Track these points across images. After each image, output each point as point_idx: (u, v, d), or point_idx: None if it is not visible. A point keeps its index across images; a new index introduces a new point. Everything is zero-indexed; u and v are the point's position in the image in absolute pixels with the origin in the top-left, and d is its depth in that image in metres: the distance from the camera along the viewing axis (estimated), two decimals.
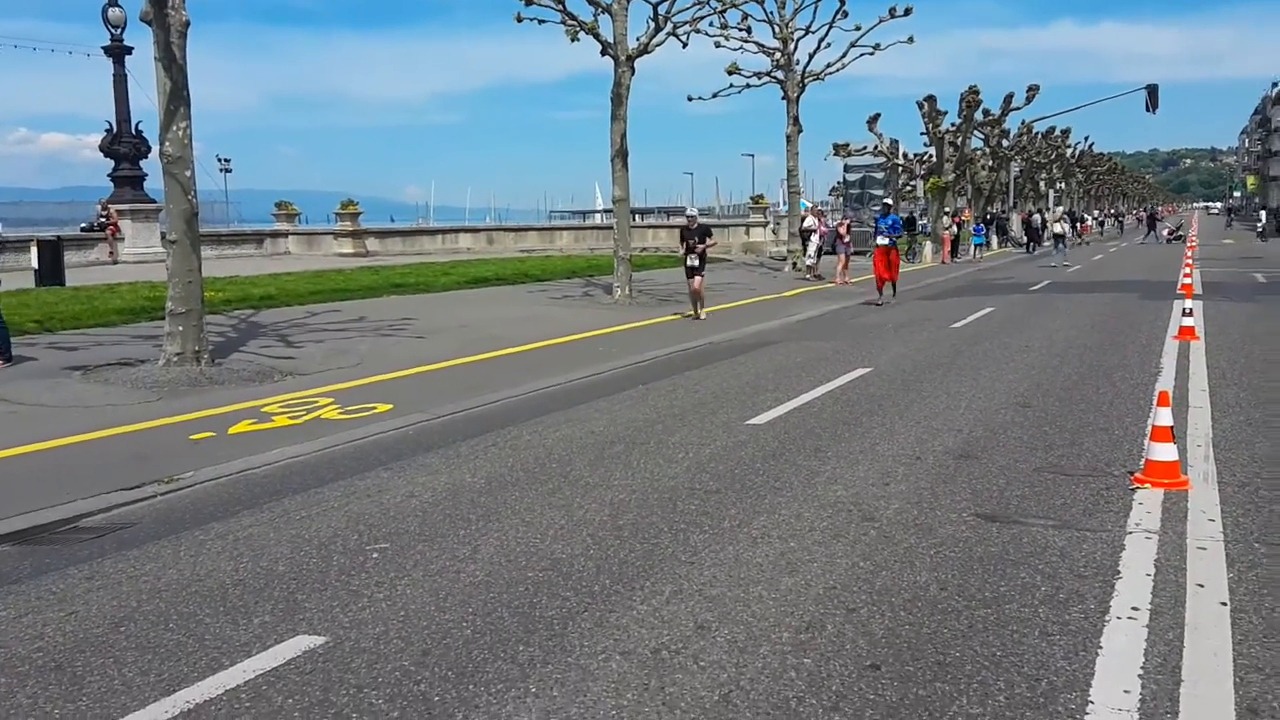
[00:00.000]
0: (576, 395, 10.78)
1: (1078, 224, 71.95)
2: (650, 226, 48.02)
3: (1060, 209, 53.58)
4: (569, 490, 6.95)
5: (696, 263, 17.99)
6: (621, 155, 21.24)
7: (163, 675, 4.19)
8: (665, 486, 7.01)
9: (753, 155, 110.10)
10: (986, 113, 51.58)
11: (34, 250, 23.77)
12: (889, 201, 24.66)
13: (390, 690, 4.01)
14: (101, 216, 33.22)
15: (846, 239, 27.97)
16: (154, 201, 33.17)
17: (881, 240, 21.58)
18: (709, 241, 18.52)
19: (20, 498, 6.85)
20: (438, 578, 5.28)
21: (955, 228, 41.77)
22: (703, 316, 18.06)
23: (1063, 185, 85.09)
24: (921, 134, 50.00)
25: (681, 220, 22.27)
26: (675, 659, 4.25)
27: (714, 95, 32.75)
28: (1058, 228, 39.52)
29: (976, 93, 48.25)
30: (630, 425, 9.14)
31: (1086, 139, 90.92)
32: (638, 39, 21.28)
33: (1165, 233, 60.53)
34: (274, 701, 3.93)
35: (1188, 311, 15.23)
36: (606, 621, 4.66)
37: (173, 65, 11.59)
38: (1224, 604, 4.77)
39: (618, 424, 9.20)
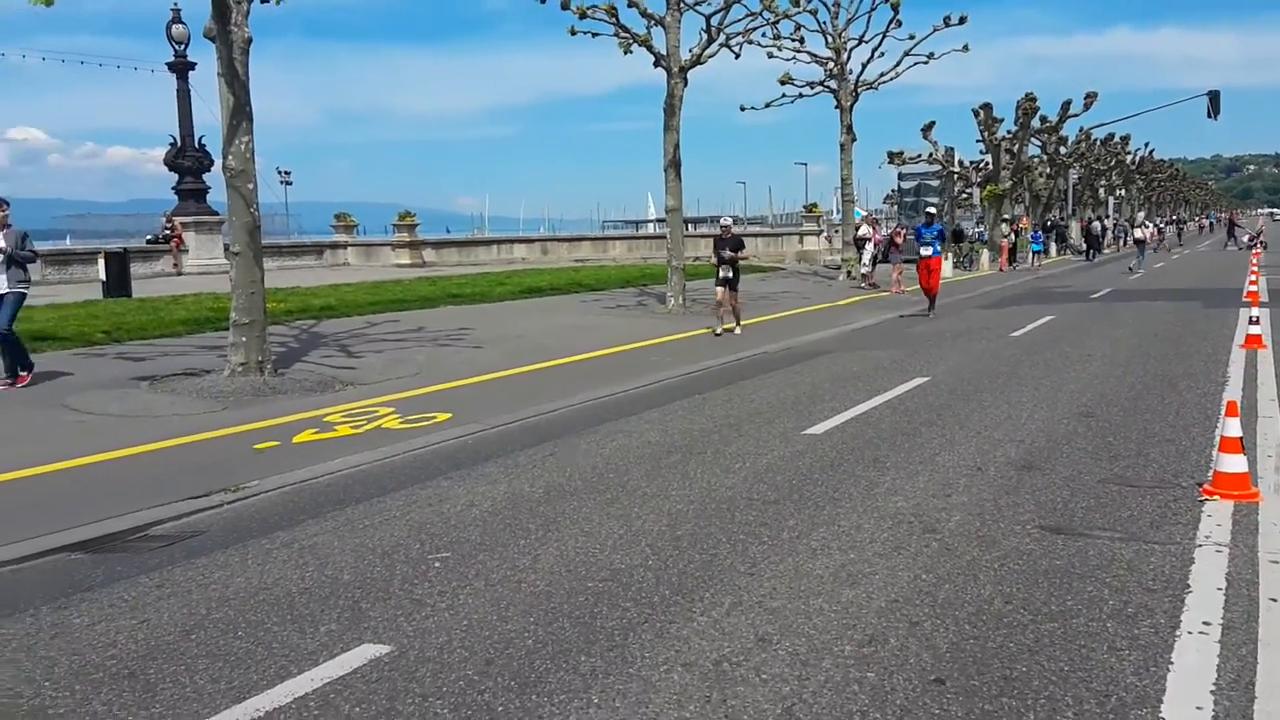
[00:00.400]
0: (632, 405, 10.81)
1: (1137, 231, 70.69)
2: (703, 236, 47.85)
3: (1142, 215, 52.77)
4: (627, 500, 6.97)
5: (730, 274, 17.28)
6: (674, 165, 21.28)
7: (233, 683, 4.27)
8: (723, 497, 7.00)
9: (806, 164, 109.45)
10: (1044, 119, 50.93)
11: (101, 262, 24.35)
12: (932, 210, 23.17)
13: (455, 700, 4.05)
14: (166, 229, 33.94)
15: (900, 247, 27.77)
16: (217, 214, 33.83)
17: (925, 250, 20.88)
18: (742, 253, 17.89)
19: (91, 506, 7.02)
20: (499, 587, 5.32)
21: (1013, 235, 41.25)
22: (739, 331, 17.28)
23: (1123, 192, 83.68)
24: (977, 141, 49.55)
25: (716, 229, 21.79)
26: (737, 671, 4.24)
27: (767, 105, 32.77)
28: (1138, 233, 39.25)
29: (1034, 100, 47.71)
30: (686, 435, 9.14)
31: (1146, 145, 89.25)
32: (690, 50, 21.32)
33: (1245, 238, 59.10)
34: (341, 710, 3.99)
35: (1254, 319, 14.89)
36: (667, 633, 4.67)
37: (235, 81, 11.82)
38: None
39: (673, 434, 9.21)
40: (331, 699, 4.08)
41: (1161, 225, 73.05)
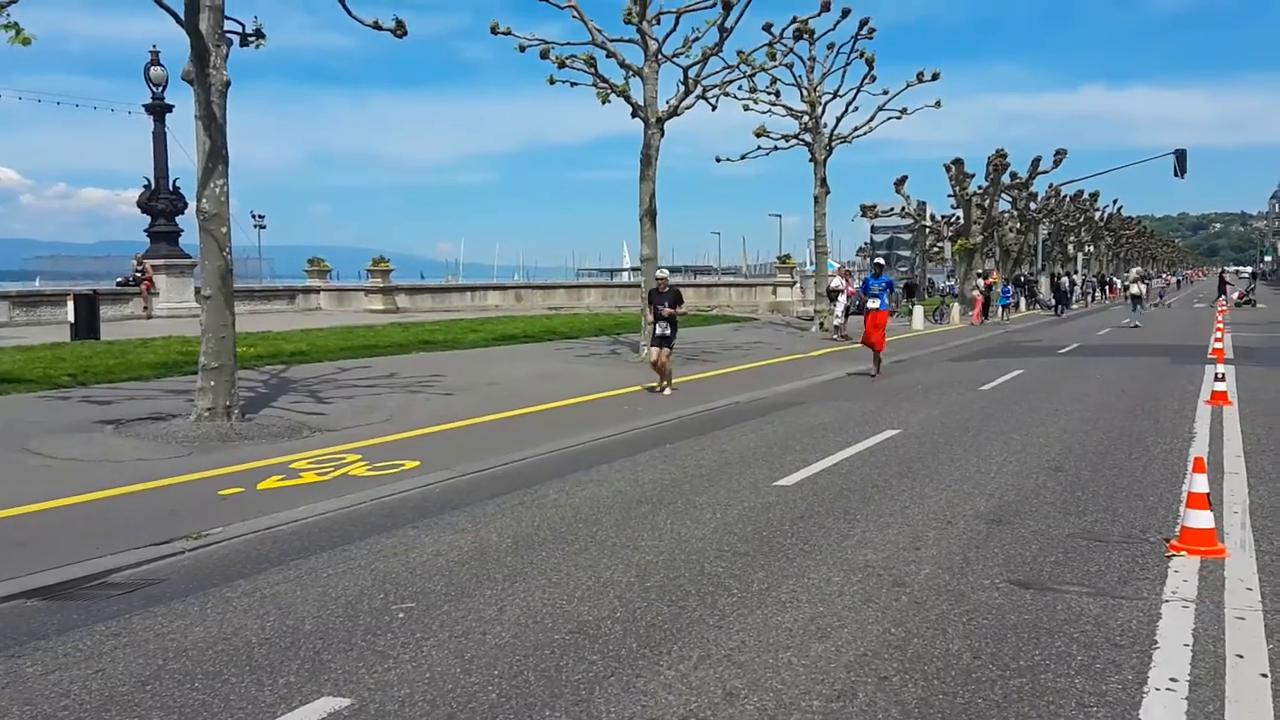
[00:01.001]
0: (603, 454, 10.76)
1: (1105, 287, 71.68)
2: (679, 285, 48.25)
3: (1136, 270, 53.60)
4: (595, 551, 6.91)
5: (667, 331, 15.75)
6: (650, 214, 21.42)
7: None
8: (693, 548, 6.95)
9: (780, 215, 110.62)
10: (1014, 175, 51.76)
11: (70, 304, 24.13)
12: (880, 261, 22.35)
13: None
14: (137, 271, 33.71)
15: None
16: (189, 257, 33.69)
17: (872, 303, 19.32)
18: (681, 308, 16.35)
19: (50, 552, 6.88)
20: (463, 639, 5.24)
21: (986, 289, 41.68)
22: (668, 393, 15.64)
23: (1091, 248, 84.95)
24: (949, 196, 50.25)
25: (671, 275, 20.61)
26: None
27: (742, 157, 33.08)
28: (1134, 289, 40.05)
29: (1004, 156, 48.52)
30: (657, 485, 9.10)
31: (1115, 202, 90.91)
32: (668, 102, 21.56)
33: (1236, 295, 59.86)
34: None
35: (1220, 376, 15.07)
36: (634, 687, 4.60)
37: (212, 124, 11.83)
38: (1264, 675, 4.66)
39: (644, 484, 9.17)
40: None
41: (1150, 279, 73.96)
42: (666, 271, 17.36)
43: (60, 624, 5.60)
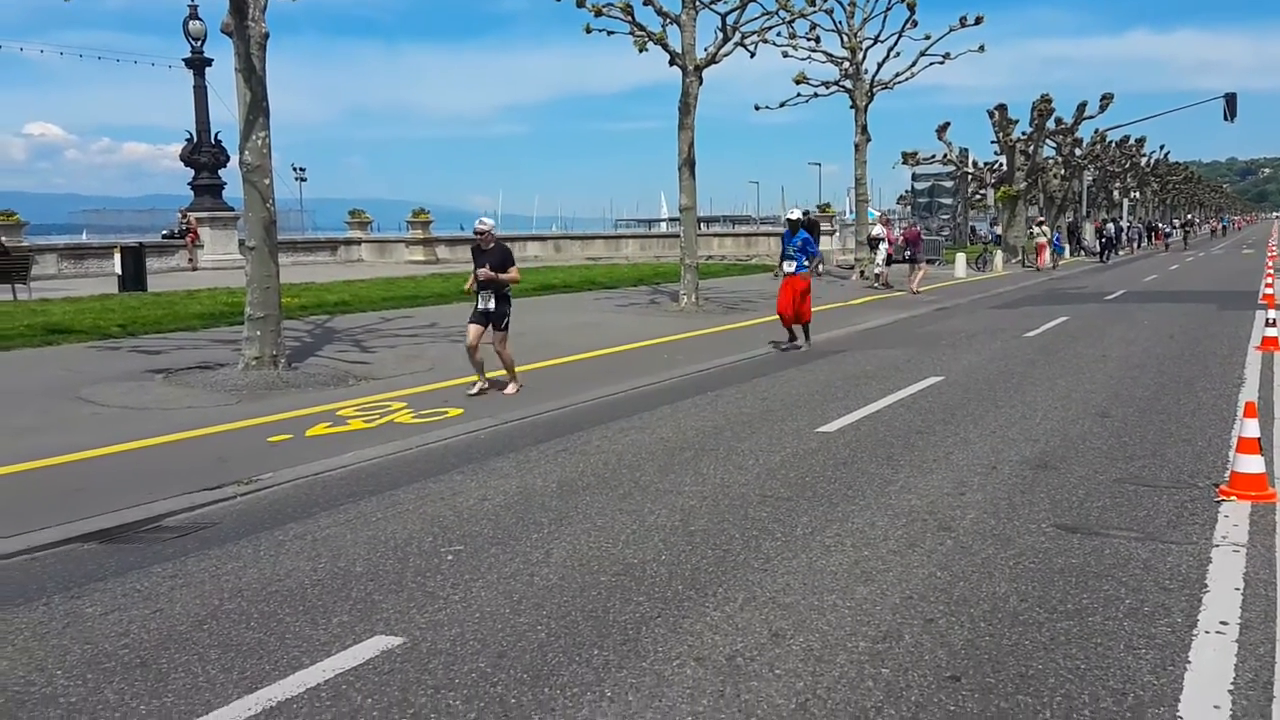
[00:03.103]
0: (644, 401, 10.79)
1: (1151, 234, 70.38)
2: (716, 235, 47.86)
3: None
4: (639, 496, 6.95)
5: (490, 304, 10.91)
6: (689, 164, 21.25)
7: (245, 673, 4.27)
8: (736, 493, 6.98)
9: (819, 164, 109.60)
10: (1059, 121, 50.75)
11: (118, 256, 24.45)
12: (793, 217, 15.91)
13: (467, 692, 4.04)
14: (182, 224, 34.09)
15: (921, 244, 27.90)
16: (232, 209, 33.98)
17: (788, 267, 15.27)
18: (511, 271, 11.07)
19: (106, 497, 7.03)
20: (511, 580, 5.31)
21: (1045, 234, 41.45)
22: (512, 390, 11.16)
23: (1137, 194, 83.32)
24: (992, 142, 49.44)
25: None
26: (750, 666, 4.22)
27: (781, 104, 32.71)
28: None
29: (1049, 101, 47.56)
30: (699, 432, 9.12)
31: (1162, 148, 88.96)
32: (706, 49, 21.29)
33: None
34: (353, 701, 3.98)
35: (1271, 322, 14.79)
36: (680, 627, 4.65)
37: (252, 76, 11.85)
38: None
39: (686, 430, 9.19)
40: (343, 690, 4.08)
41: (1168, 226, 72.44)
42: (490, 222, 11.38)
43: (118, 566, 5.73)
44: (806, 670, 4.17)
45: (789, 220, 15.86)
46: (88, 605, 5.11)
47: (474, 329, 10.95)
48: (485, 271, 10.85)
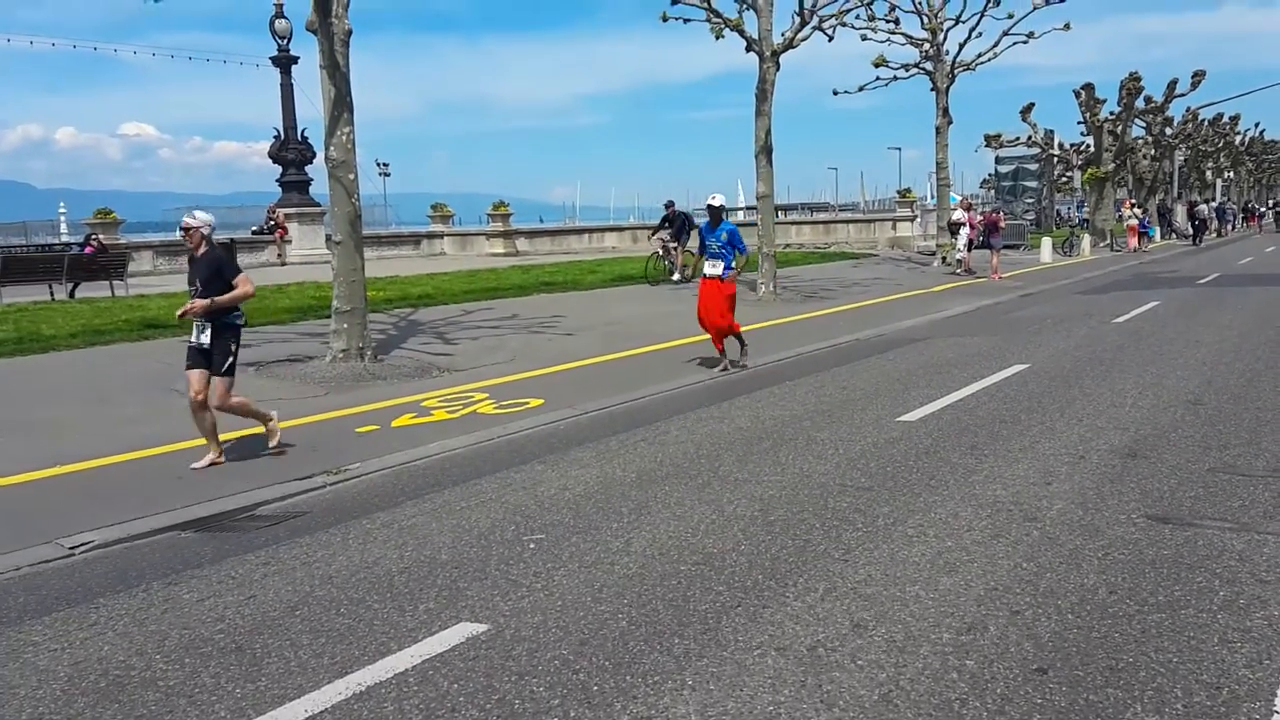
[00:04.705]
0: (723, 391, 10.79)
1: (1246, 216, 68.01)
2: (794, 223, 47.53)
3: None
4: (718, 486, 6.97)
5: (206, 338, 7.89)
6: (766, 151, 21.11)
7: (336, 658, 4.39)
8: (815, 483, 6.95)
9: (899, 149, 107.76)
10: (1148, 100, 49.29)
11: None
12: (714, 204, 12.42)
13: (551, 678, 4.11)
14: (271, 220, 34.91)
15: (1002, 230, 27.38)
16: (319, 205, 34.71)
17: (710, 269, 12.17)
18: (234, 290, 7.88)
19: (201, 486, 7.27)
20: (593, 569, 5.37)
21: (1137, 216, 40.73)
22: (276, 442, 8.34)
23: (1231, 175, 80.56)
24: (1078, 123, 48.24)
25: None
26: (832, 656, 4.21)
27: (860, 89, 32.33)
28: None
29: (1138, 79, 46.24)
30: (778, 421, 9.09)
31: (1257, 125, 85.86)
32: (783, 34, 21.12)
33: None
34: (440, 686, 4.07)
35: None
36: (760, 617, 4.66)
37: (336, 73, 12.09)
38: None
39: (765, 420, 9.17)
40: (431, 675, 4.17)
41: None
42: (204, 217, 8.02)
43: (213, 554, 5.93)
44: (889, 662, 4.15)
45: (709, 207, 12.46)
46: (185, 591, 5.29)
47: (194, 376, 7.88)
48: (197, 304, 7.74)
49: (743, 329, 12.55)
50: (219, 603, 5.11)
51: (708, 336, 12.52)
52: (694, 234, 22.66)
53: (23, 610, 5.09)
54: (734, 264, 12.22)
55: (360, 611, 4.91)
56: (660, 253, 25.32)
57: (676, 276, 24.57)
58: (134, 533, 6.32)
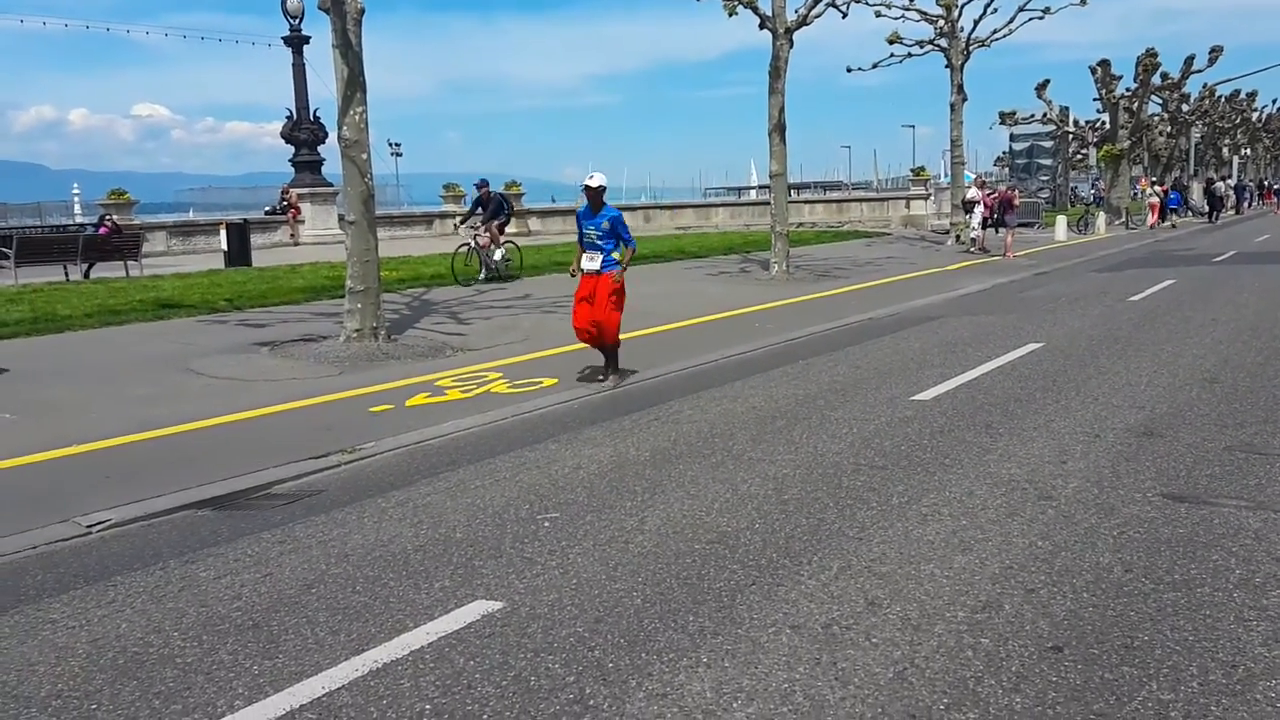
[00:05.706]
0: (735, 370, 10.78)
1: (1262, 193, 67.46)
2: (807, 201, 47.35)
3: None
4: (732, 465, 6.97)
5: None
6: (779, 129, 21.01)
7: (352, 635, 4.41)
8: (829, 462, 6.94)
9: (913, 126, 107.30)
10: (1165, 76, 48.83)
11: (223, 233, 25.20)
12: (593, 184, 9.87)
13: (566, 655, 4.12)
14: (283, 200, 34.93)
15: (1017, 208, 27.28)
16: (331, 185, 34.68)
17: (588, 263, 10.10)
18: None
19: (217, 465, 7.30)
20: (607, 547, 5.38)
21: (1157, 194, 40.75)
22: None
23: (1248, 151, 79.87)
24: (1094, 100, 47.82)
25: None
26: (847, 634, 4.22)
27: (874, 66, 32.08)
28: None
29: (1154, 55, 45.80)
30: (791, 400, 9.08)
31: (1275, 102, 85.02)
32: (796, 11, 21.00)
33: None
34: (456, 663, 4.09)
35: None
36: (775, 595, 4.66)
37: (349, 52, 12.06)
38: None
39: (778, 399, 9.16)
40: (446, 652, 4.19)
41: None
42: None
43: (230, 532, 5.96)
44: (904, 639, 4.15)
45: (586, 188, 9.99)
46: (201, 570, 5.32)
47: None
48: None
49: (622, 338, 10.45)
50: (236, 580, 5.14)
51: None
52: (510, 218, 20.27)
53: (41, 588, 5.12)
54: (617, 257, 10.13)
55: (376, 589, 4.93)
56: (472, 244, 20.48)
57: (484, 275, 20.32)
58: (150, 511, 6.35)
